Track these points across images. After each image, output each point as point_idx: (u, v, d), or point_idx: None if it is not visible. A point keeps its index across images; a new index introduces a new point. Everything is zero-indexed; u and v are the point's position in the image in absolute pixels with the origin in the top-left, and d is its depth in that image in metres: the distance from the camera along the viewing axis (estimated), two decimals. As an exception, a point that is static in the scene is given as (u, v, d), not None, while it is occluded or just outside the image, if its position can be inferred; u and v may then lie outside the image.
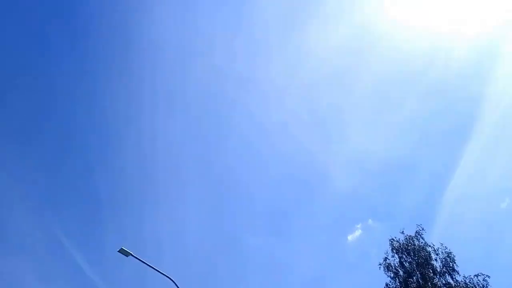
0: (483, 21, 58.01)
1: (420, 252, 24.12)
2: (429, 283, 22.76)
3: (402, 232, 25.22)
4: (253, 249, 64.16)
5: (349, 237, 64.84)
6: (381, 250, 25.45)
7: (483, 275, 21.91)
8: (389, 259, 24.64)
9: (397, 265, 24.27)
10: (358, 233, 61.56)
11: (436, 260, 23.76)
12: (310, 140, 66.27)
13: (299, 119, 68.90)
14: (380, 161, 65.25)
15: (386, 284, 23.81)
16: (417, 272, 23.58)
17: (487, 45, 57.69)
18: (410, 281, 23.31)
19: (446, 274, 23.04)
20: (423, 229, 24.91)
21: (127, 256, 17.25)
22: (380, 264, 24.66)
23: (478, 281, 21.89)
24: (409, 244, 24.68)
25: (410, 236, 24.97)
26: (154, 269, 17.41)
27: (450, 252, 23.52)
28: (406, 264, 24.11)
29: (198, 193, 61.51)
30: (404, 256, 24.46)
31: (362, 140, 64.44)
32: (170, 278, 17.24)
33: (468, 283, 22.04)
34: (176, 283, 17.15)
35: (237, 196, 68.43)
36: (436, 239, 29.30)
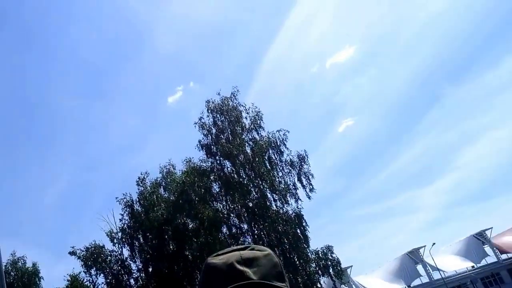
0: None
1: (232, 112, 25.28)
2: (237, 138, 24.36)
3: (219, 94, 25.81)
4: (66, 111, 60.90)
5: (170, 99, 66.19)
6: (200, 111, 25.89)
7: (284, 130, 24.33)
8: (204, 119, 25.31)
9: (211, 124, 25.16)
10: (179, 95, 63.03)
11: (246, 118, 25.36)
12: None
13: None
14: (203, 25, 66.59)
15: (199, 141, 24.71)
16: (228, 129, 24.90)
17: None
18: (221, 137, 24.57)
19: (253, 130, 24.96)
20: (238, 90, 25.90)
21: None
22: (195, 123, 25.21)
23: (279, 135, 24.31)
24: (224, 105, 25.54)
25: (225, 97, 25.75)
26: None
27: (259, 111, 25.28)
28: (219, 123, 25.16)
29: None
30: (218, 115, 25.36)
31: (187, 5, 64.29)
32: None
33: (271, 137, 24.30)
34: None
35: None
36: (250, 99, 31.14)
